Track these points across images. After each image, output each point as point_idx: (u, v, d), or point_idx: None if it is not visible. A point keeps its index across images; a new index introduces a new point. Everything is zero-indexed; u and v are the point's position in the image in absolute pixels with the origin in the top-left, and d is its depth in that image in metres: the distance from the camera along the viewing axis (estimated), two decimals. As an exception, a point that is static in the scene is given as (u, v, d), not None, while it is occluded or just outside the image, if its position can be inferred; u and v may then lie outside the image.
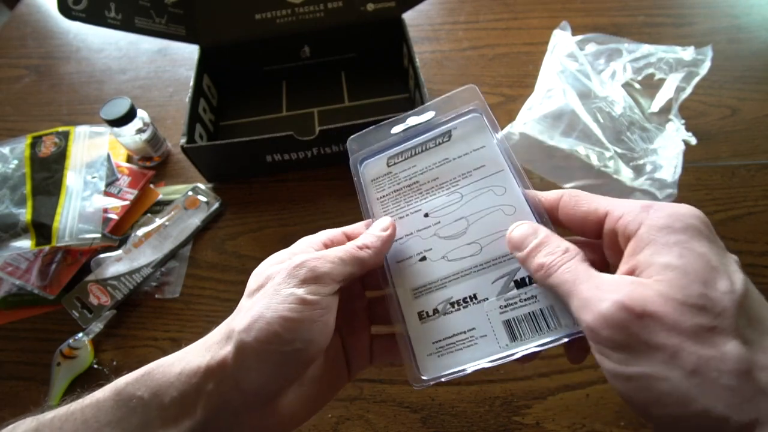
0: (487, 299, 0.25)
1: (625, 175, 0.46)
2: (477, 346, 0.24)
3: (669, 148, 0.45)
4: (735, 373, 0.17)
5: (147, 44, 0.72)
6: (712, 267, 0.19)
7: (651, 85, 0.53)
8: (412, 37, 0.56)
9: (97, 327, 0.44)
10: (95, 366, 0.43)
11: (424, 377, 0.25)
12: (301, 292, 0.23)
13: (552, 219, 0.25)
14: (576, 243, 0.24)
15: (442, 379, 0.24)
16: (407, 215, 0.29)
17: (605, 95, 0.45)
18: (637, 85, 0.54)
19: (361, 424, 0.38)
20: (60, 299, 0.46)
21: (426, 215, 0.29)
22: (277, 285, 0.23)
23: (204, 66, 0.57)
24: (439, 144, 0.30)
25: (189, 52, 0.69)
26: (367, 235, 0.27)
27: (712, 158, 0.51)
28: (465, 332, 0.25)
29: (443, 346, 0.25)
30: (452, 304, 0.26)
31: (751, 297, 0.19)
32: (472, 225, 0.27)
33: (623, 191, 0.46)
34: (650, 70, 0.51)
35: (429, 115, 0.31)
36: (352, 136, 0.32)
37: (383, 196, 0.30)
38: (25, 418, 0.24)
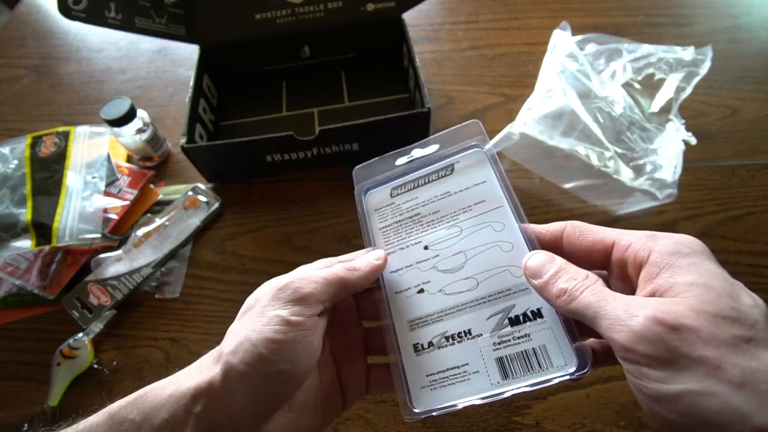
0: (481, 335, 0.25)
1: (625, 175, 0.46)
2: (469, 381, 0.25)
3: (669, 148, 0.45)
4: None
5: (147, 44, 0.72)
6: (732, 283, 0.19)
7: (651, 85, 0.53)
8: (412, 37, 0.56)
9: (97, 327, 0.44)
10: (95, 366, 0.43)
11: (416, 410, 0.25)
12: (285, 313, 0.23)
13: (554, 252, 0.25)
14: None
15: (434, 414, 0.25)
16: (407, 247, 0.29)
17: (605, 95, 0.45)
18: (637, 85, 0.54)
19: (361, 424, 0.38)
20: (60, 299, 0.46)
21: (426, 248, 0.29)
22: (262, 307, 0.23)
23: (204, 66, 0.57)
24: (442, 177, 0.31)
25: (189, 52, 0.69)
26: (359, 259, 0.28)
27: (712, 158, 0.51)
28: (458, 367, 0.25)
29: (436, 379, 0.25)
30: (447, 338, 0.26)
31: None
32: (470, 260, 0.27)
33: (623, 191, 0.47)
34: (650, 70, 0.51)
35: (433, 148, 0.32)
36: (357, 166, 0.33)
37: (385, 227, 0.31)
38: None
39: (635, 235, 0.22)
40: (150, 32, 0.53)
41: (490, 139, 0.50)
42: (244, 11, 0.56)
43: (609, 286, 0.24)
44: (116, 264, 0.47)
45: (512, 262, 0.26)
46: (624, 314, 0.19)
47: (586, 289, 0.21)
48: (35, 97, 0.68)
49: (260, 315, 0.23)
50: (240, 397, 0.22)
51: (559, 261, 0.23)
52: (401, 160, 0.32)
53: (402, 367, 0.26)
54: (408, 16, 0.58)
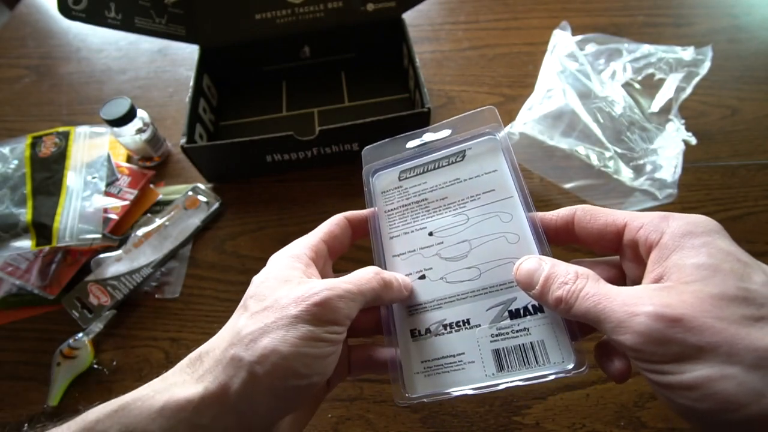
0: (480, 326, 0.25)
1: (625, 175, 0.46)
2: (464, 371, 0.24)
3: (669, 148, 0.45)
4: None
5: (147, 44, 0.72)
6: (743, 262, 0.19)
7: (651, 85, 0.52)
8: (412, 37, 0.56)
9: (97, 327, 0.44)
10: (95, 366, 0.43)
11: (408, 394, 0.25)
12: (319, 331, 0.21)
13: (566, 237, 0.25)
14: (590, 264, 0.24)
15: (425, 400, 0.25)
16: (412, 231, 0.29)
17: (605, 95, 0.45)
18: (637, 85, 0.54)
19: (361, 424, 0.38)
20: (60, 299, 0.46)
21: (430, 234, 0.28)
22: (292, 317, 0.21)
23: (204, 66, 0.57)
24: (452, 163, 0.30)
25: (189, 52, 0.69)
26: (390, 275, 0.26)
27: (712, 158, 0.51)
28: (454, 356, 0.25)
29: (431, 366, 0.25)
30: (445, 327, 0.26)
31: None
32: (474, 249, 0.27)
33: (623, 191, 0.47)
34: (650, 70, 0.51)
35: (445, 133, 0.31)
36: (367, 147, 0.32)
37: (391, 210, 0.30)
38: None
39: (647, 217, 0.22)
40: (150, 32, 0.53)
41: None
42: (244, 11, 0.56)
43: (620, 270, 0.24)
44: (116, 264, 0.47)
45: (517, 254, 0.26)
46: (624, 315, 0.19)
47: (580, 293, 0.21)
48: (35, 97, 0.68)
49: (290, 325, 0.21)
50: (260, 407, 0.21)
51: (547, 264, 0.23)
52: (412, 143, 0.32)
53: (398, 351, 0.26)
54: (408, 16, 0.58)
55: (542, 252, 0.25)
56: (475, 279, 0.26)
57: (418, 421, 0.38)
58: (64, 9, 0.49)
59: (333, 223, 0.29)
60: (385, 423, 0.38)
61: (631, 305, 0.19)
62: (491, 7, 0.72)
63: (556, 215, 0.25)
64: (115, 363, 0.43)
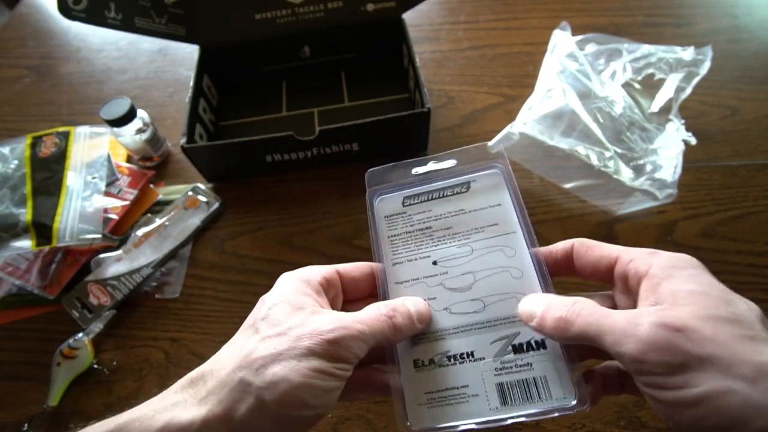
0: (484, 359, 0.25)
1: (625, 175, 0.46)
2: (468, 404, 0.24)
3: (669, 148, 0.45)
4: None
5: (147, 44, 0.72)
6: (726, 291, 0.20)
7: (651, 85, 0.52)
8: (412, 37, 0.56)
9: (97, 327, 0.44)
10: (95, 366, 0.43)
11: (413, 428, 0.25)
12: (330, 367, 0.21)
13: (566, 268, 0.26)
14: (585, 296, 0.24)
15: None
16: (416, 259, 0.29)
17: (605, 95, 0.45)
18: (637, 85, 0.54)
19: (361, 424, 0.38)
20: (60, 299, 0.46)
21: (435, 263, 0.29)
22: (306, 348, 0.21)
23: (204, 66, 0.57)
24: (457, 193, 0.30)
25: (189, 52, 0.69)
26: (402, 315, 0.25)
27: (712, 158, 0.51)
28: (458, 388, 0.25)
29: (435, 398, 0.25)
30: (449, 358, 0.26)
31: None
32: (478, 281, 0.27)
33: (623, 191, 0.47)
34: (650, 70, 0.51)
35: (450, 163, 0.31)
36: (371, 170, 0.33)
37: (394, 236, 0.30)
38: None
39: (638, 251, 0.23)
40: (150, 32, 0.53)
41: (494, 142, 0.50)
42: (244, 11, 0.56)
43: (613, 303, 0.25)
44: (116, 264, 0.47)
45: (521, 289, 0.26)
46: (628, 325, 0.19)
47: (582, 310, 0.21)
48: (35, 97, 0.68)
49: (302, 356, 0.21)
50: None
51: (548, 297, 0.24)
52: (417, 170, 0.32)
53: (400, 381, 0.26)
54: (408, 16, 0.58)
55: (545, 288, 0.26)
56: (480, 311, 0.26)
57: None
58: (64, 9, 0.49)
59: (354, 264, 0.29)
60: (385, 423, 0.38)
61: (635, 317, 0.19)
62: (491, 7, 0.72)
63: (555, 248, 0.26)
64: (115, 363, 0.43)
